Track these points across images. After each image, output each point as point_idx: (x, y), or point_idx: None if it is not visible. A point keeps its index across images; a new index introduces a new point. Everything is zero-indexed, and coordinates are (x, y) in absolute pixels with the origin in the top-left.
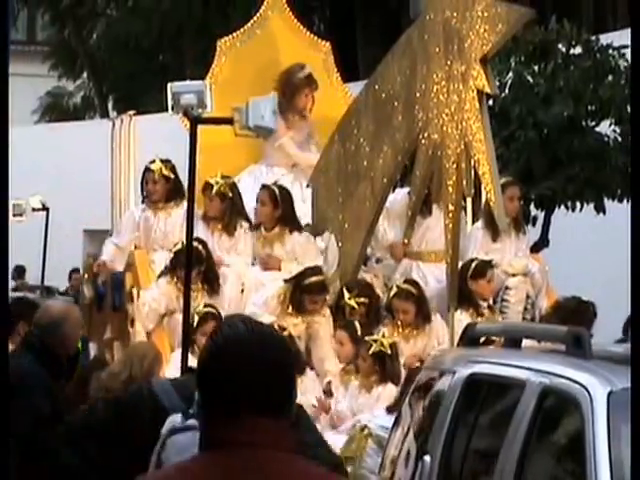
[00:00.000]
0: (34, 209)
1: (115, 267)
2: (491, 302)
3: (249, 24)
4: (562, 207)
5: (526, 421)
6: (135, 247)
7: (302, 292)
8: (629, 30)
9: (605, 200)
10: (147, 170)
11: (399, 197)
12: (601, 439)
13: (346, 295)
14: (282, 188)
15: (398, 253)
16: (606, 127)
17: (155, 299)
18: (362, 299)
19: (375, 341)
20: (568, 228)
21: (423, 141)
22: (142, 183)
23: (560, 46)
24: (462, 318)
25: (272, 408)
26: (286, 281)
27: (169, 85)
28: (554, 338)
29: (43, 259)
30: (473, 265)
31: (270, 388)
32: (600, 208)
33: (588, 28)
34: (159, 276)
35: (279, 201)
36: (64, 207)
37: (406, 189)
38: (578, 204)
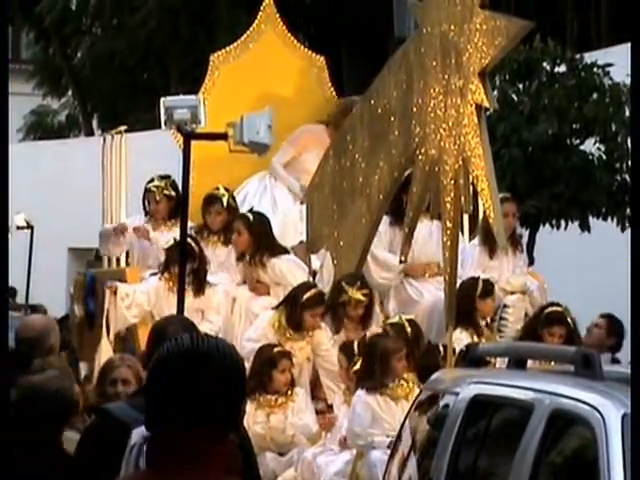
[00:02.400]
0: (18, 227)
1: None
2: (489, 321)
3: (242, 38)
4: (547, 225)
5: (535, 444)
6: (127, 264)
7: (302, 310)
8: (613, 48)
9: (590, 218)
10: (147, 191)
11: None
12: (615, 463)
13: (349, 290)
14: (257, 214)
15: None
16: (590, 145)
17: (143, 292)
18: (365, 291)
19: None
20: (553, 246)
21: (420, 157)
22: (144, 203)
23: (545, 64)
24: (462, 337)
25: (198, 423)
26: (276, 307)
27: (162, 100)
28: (562, 359)
29: (28, 277)
30: (481, 283)
31: (198, 404)
32: (585, 226)
33: (572, 46)
34: (150, 274)
35: (254, 228)
36: (49, 225)
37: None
38: (563, 222)
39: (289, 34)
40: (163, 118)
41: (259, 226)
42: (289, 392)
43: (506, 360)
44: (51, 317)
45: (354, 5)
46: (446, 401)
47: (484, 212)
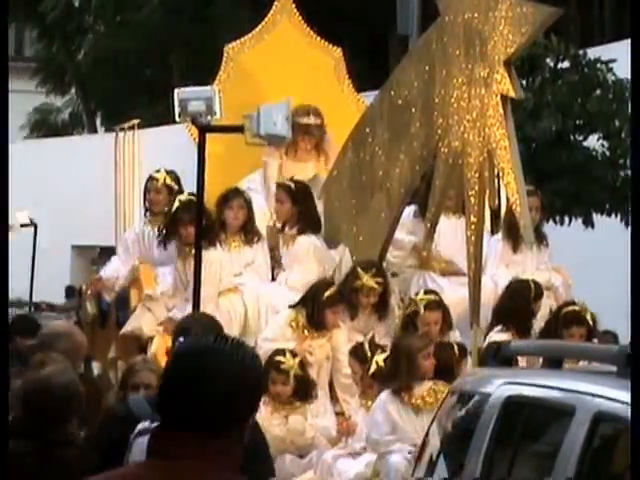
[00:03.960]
0: (22, 225)
1: (118, 284)
2: None
3: (257, 29)
4: (550, 222)
5: (577, 450)
6: (140, 262)
7: (323, 308)
8: (617, 44)
9: (594, 215)
10: (151, 179)
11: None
12: None
13: (364, 276)
14: (298, 183)
15: (423, 257)
16: (594, 141)
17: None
18: (379, 279)
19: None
20: (556, 243)
21: (443, 149)
22: (145, 192)
23: (548, 60)
24: (503, 338)
25: (198, 422)
26: (294, 306)
27: (176, 91)
28: (603, 358)
29: (31, 275)
30: (533, 286)
31: (197, 403)
32: (588, 222)
33: (575, 42)
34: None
35: (298, 198)
36: (52, 223)
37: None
38: (566, 219)
39: (305, 24)
40: (177, 110)
41: (302, 195)
42: (300, 400)
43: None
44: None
45: (356, 1)
46: (477, 403)
47: (509, 206)
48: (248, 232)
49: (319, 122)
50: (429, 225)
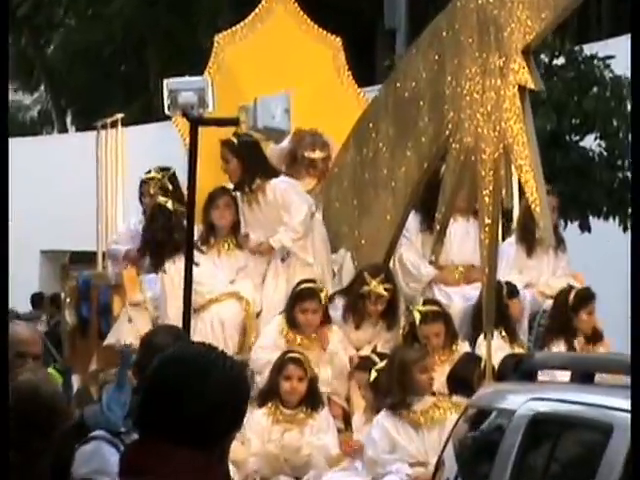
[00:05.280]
0: None
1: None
2: (525, 328)
3: (250, 17)
4: None
5: (617, 472)
6: (126, 266)
7: (294, 304)
8: (614, 40)
9: (590, 218)
10: (143, 183)
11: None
12: None
13: (372, 282)
14: (242, 137)
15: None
16: (590, 141)
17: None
18: (388, 285)
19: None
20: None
21: (454, 145)
22: (140, 199)
23: (542, 56)
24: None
25: (181, 435)
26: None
27: (165, 82)
28: None
29: None
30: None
31: (180, 414)
32: (585, 226)
33: (572, 38)
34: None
35: (242, 152)
36: (20, 227)
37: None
38: (562, 222)
39: (302, 13)
40: (166, 102)
41: (247, 149)
42: (308, 408)
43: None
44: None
45: None
46: (499, 420)
47: (524, 206)
48: (239, 234)
49: (325, 155)
50: (439, 227)
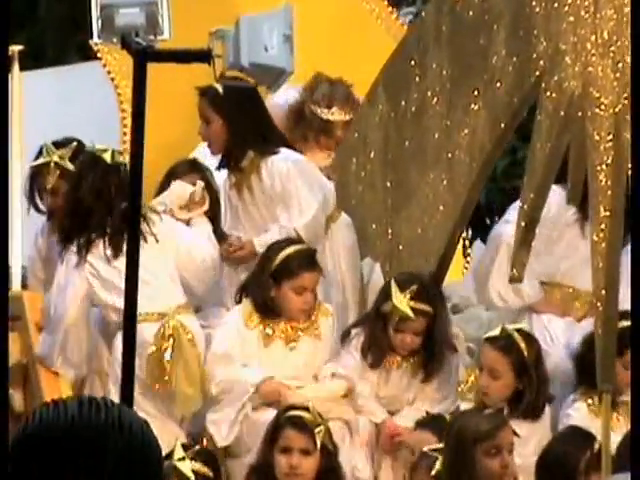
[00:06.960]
0: None
1: None
2: None
3: None
4: None
5: None
6: (23, 286)
7: (280, 279)
8: None
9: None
10: (34, 175)
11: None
12: None
13: (398, 296)
14: (229, 81)
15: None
16: None
17: None
18: (424, 305)
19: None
20: None
21: (548, 93)
22: (31, 196)
23: None
24: None
25: None
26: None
27: None
28: None
29: None
30: None
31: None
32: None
33: None
34: None
35: (231, 108)
36: None
37: None
38: None
39: None
40: (96, 26)
41: (238, 103)
42: None
43: None
44: None
45: None
46: None
47: None
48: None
49: (348, 118)
50: (523, 224)
